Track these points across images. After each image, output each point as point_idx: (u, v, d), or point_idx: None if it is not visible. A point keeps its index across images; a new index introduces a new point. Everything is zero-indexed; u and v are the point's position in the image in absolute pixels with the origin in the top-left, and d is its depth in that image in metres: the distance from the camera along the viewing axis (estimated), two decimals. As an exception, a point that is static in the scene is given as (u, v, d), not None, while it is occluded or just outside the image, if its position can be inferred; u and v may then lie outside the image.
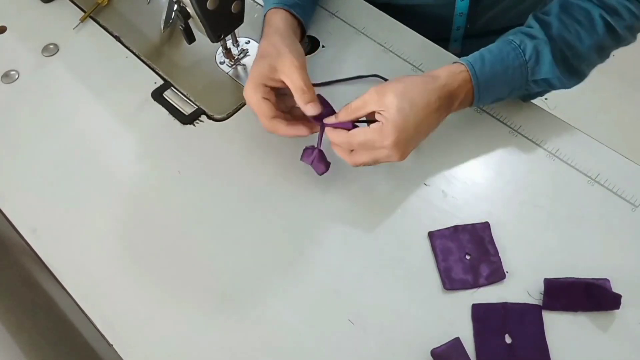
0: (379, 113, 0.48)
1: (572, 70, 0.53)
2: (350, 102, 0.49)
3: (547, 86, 0.54)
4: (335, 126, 0.50)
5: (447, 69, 0.51)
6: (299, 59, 0.50)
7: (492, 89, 0.52)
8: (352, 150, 0.50)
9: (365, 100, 0.48)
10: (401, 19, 0.66)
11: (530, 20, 0.53)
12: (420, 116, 0.48)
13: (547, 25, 0.52)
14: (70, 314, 0.57)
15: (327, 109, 0.51)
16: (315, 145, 0.52)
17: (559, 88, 0.54)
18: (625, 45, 0.54)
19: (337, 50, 0.64)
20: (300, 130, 0.51)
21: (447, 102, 0.50)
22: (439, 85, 0.49)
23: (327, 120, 0.51)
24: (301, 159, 0.53)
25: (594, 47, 0.52)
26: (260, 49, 0.53)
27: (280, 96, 0.53)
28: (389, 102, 0.47)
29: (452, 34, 0.71)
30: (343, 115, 0.50)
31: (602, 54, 0.54)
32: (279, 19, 0.55)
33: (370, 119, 0.49)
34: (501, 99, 0.54)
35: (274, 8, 0.56)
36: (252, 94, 0.51)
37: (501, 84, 0.52)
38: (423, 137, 0.50)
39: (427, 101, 0.48)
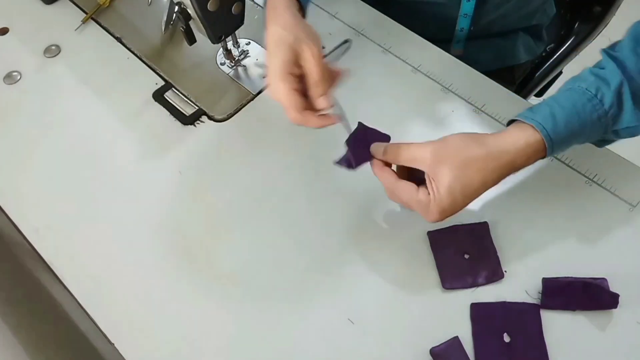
0: (429, 176, 0.44)
1: None
2: (398, 145, 0.46)
3: (629, 134, 0.46)
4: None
5: (517, 138, 0.43)
6: (316, 43, 0.46)
7: (565, 147, 0.46)
8: None
9: (415, 157, 0.45)
10: (403, 17, 0.66)
11: (604, 59, 0.46)
12: (471, 195, 0.44)
13: (622, 64, 0.44)
14: (71, 313, 0.57)
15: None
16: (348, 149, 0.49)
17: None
18: None
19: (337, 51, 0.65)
20: (330, 120, 0.47)
21: (508, 174, 0.44)
22: (504, 163, 0.43)
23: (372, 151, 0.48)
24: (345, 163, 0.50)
25: None
26: (273, 34, 0.47)
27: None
28: (442, 178, 0.42)
29: (456, 35, 0.70)
30: (389, 157, 0.46)
31: None
32: (284, 1, 0.50)
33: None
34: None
35: None
36: (281, 86, 0.45)
37: (576, 140, 0.46)
38: (463, 207, 0.45)
39: (482, 182, 0.43)
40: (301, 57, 0.46)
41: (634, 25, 0.46)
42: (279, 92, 0.46)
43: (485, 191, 0.45)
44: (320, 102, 0.46)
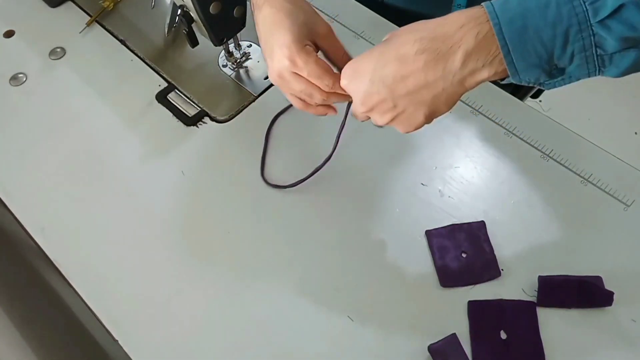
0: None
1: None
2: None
3: (630, 31, 0.31)
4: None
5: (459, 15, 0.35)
6: (325, 24, 0.43)
7: (529, 40, 0.33)
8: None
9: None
10: (399, 19, 0.66)
11: None
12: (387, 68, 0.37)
13: None
14: (76, 310, 0.58)
15: None
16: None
17: (608, 75, 0.34)
18: None
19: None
20: (332, 110, 0.45)
21: (437, 51, 0.35)
22: (421, 27, 0.36)
23: None
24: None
25: None
26: (278, 8, 0.41)
27: None
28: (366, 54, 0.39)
29: None
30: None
31: None
32: None
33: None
34: (547, 69, 0.34)
35: None
36: (305, 55, 0.40)
37: (541, 30, 0.32)
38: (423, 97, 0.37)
39: (400, 53, 0.36)
40: (317, 34, 0.42)
41: None
42: (306, 61, 0.40)
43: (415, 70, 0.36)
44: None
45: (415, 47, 0.36)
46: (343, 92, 0.42)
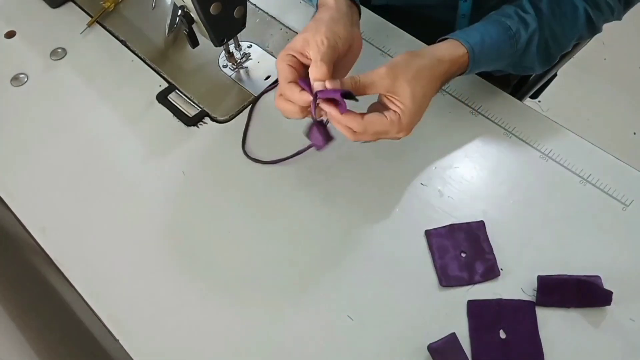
0: (388, 98, 0.47)
1: (549, 58, 0.55)
2: (357, 75, 0.47)
3: (522, 71, 0.57)
4: (326, 96, 0.46)
5: (450, 51, 0.50)
6: (330, 37, 0.47)
7: (479, 69, 0.54)
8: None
9: (374, 81, 0.46)
10: (400, 22, 0.67)
11: (525, 4, 0.54)
12: (426, 104, 0.49)
13: (540, 13, 0.53)
14: (77, 310, 0.58)
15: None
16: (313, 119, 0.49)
17: (530, 73, 0.58)
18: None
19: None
20: (308, 113, 0.48)
21: (443, 85, 0.52)
22: (443, 70, 0.50)
23: (319, 88, 0.46)
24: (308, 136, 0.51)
25: (574, 39, 0.55)
26: (307, 26, 0.50)
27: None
28: (402, 91, 0.46)
29: None
30: (349, 87, 0.47)
31: (575, 44, 0.57)
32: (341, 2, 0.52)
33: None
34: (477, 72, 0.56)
35: None
36: (280, 61, 0.48)
37: (489, 65, 0.54)
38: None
39: (433, 89, 0.49)
40: (311, 46, 0.47)
41: None
42: (277, 65, 0.48)
43: (432, 97, 0.50)
44: (316, 85, 0.46)
45: (439, 86, 0.51)
46: (297, 99, 0.47)
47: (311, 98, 0.46)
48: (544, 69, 0.57)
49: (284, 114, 0.49)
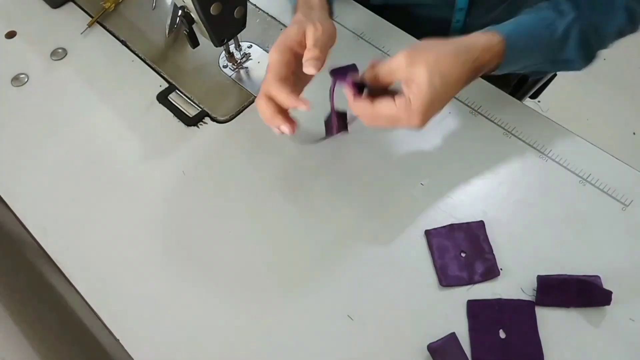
0: (406, 84, 0.44)
1: (590, 51, 0.52)
2: (377, 64, 0.46)
3: (563, 67, 0.53)
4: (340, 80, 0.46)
5: (484, 39, 0.47)
6: (325, 25, 0.47)
7: (518, 62, 0.50)
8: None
9: (392, 68, 0.45)
10: (399, 21, 0.67)
11: None
12: (449, 92, 0.45)
13: (576, 3, 0.50)
14: (77, 309, 0.59)
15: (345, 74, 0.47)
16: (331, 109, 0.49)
17: (571, 70, 0.54)
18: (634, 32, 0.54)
19: (337, 54, 0.66)
20: (301, 103, 0.45)
21: (475, 74, 0.48)
22: (472, 57, 0.46)
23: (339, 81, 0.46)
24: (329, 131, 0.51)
25: (614, 32, 0.52)
26: (293, 20, 0.50)
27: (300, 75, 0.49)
28: (420, 76, 0.43)
29: (450, 35, 0.70)
30: (369, 79, 0.46)
31: (618, 40, 0.53)
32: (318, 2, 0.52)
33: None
34: (516, 71, 0.53)
35: None
36: (273, 53, 0.47)
37: (526, 58, 0.50)
38: (444, 106, 0.47)
39: (458, 77, 0.45)
40: (306, 35, 0.46)
41: None
42: (270, 58, 0.47)
43: (461, 88, 0.46)
44: (306, 66, 0.46)
45: (467, 76, 0.47)
46: (284, 99, 0.46)
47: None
48: (586, 64, 0.53)
49: (262, 116, 0.48)
